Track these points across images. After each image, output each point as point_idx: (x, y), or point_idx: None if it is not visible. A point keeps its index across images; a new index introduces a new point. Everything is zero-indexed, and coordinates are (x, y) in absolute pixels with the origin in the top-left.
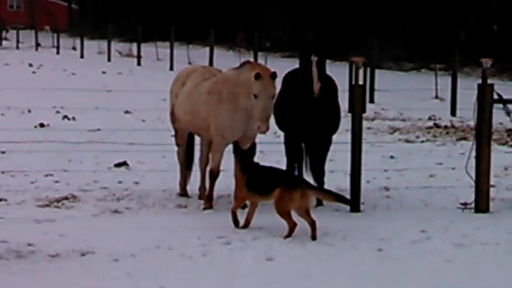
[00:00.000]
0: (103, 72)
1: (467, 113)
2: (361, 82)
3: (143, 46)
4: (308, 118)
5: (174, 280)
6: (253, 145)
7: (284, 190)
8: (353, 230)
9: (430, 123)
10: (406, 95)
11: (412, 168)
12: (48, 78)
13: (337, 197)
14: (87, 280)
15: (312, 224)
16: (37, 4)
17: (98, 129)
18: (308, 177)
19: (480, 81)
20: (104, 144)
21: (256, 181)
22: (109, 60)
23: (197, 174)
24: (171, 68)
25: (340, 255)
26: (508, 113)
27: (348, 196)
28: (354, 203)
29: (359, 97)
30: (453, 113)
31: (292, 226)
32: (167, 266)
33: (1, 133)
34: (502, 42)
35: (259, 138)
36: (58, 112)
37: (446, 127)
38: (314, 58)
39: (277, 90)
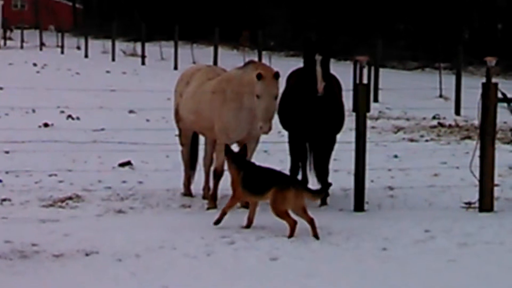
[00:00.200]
0: (107, 72)
1: (472, 112)
2: (365, 81)
3: (147, 46)
4: (312, 117)
5: (178, 279)
6: (244, 146)
7: (277, 191)
8: (357, 230)
9: (434, 122)
10: (410, 94)
11: (416, 168)
12: (52, 78)
13: (321, 191)
14: (91, 280)
15: (311, 222)
16: (41, 3)
17: (102, 129)
18: (312, 177)
19: (484, 80)
20: (108, 144)
21: (251, 180)
22: (113, 59)
23: (201, 173)
24: (176, 68)
25: (344, 255)
26: None
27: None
28: (358, 203)
29: (363, 96)
30: (457, 112)
31: (293, 224)
32: (171, 266)
33: (5, 133)
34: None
35: (263, 137)
36: (62, 111)
37: (450, 126)
38: (318, 57)
39: (281, 89)
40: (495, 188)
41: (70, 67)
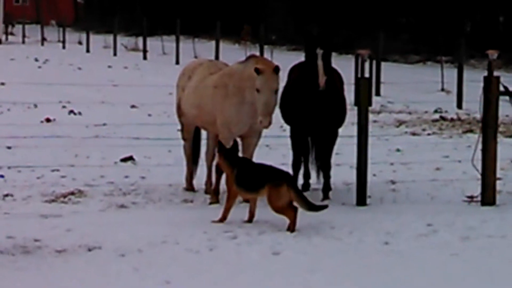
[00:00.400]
0: (109, 67)
1: (473, 105)
2: (367, 74)
3: (149, 40)
4: (314, 112)
5: (181, 274)
6: (235, 143)
7: (272, 188)
8: (360, 224)
9: (436, 116)
10: (412, 88)
11: (418, 161)
12: (54, 73)
13: (310, 206)
14: (94, 275)
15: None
16: None
17: (104, 124)
18: (314, 171)
19: (486, 73)
20: (110, 139)
21: (244, 178)
22: (115, 54)
23: (204, 168)
24: (177, 62)
25: (347, 249)
26: None
27: (354, 193)
28: (360, 197)
29: (365, 90)
30: (459, 105)
31: (293, 217)
32: (174, 261)
33: (7, 128)
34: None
35: (265, 132)
36: (64, 107)
37: (452, 119)
38: (319, 51)
39: (283, 83)
40: (497, 182)
41: (72, 62)
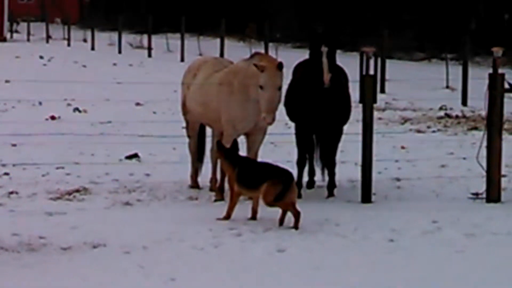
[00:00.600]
0: (114, 64)
1: (478, 102)
2: (372, 72)
3: (154, 38)
4: (319, 109)
5: (186, 271)
6: (235, 142)
7: (270, 186)
8: (365, 221)
9: (441, 113)
10: (417, 85)
11: (423, 159)
12: (59, 71)
13: (297, 215)
14: (99, 272)
15: (297, 215)
16: None
17: (109, 121)
18: (319, 168)
19: (491, 70)
20: (115, 136)
21: (246, 176)
22: (120, 52)
23: (209, 166)
24: (182, 60)
25: (352, 246)
26: None
27: (358, 190)
28: (365, 194)
29: (370, 88)
30: (464, 102)
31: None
32: (179, 258)
33: (12, 126)
34: None
35: (270, 129)
36: (69, 104)
37: (457, 117)
38: (324, 49)
39: (287, 81)
40: (502, 179)
41: (77, 60)
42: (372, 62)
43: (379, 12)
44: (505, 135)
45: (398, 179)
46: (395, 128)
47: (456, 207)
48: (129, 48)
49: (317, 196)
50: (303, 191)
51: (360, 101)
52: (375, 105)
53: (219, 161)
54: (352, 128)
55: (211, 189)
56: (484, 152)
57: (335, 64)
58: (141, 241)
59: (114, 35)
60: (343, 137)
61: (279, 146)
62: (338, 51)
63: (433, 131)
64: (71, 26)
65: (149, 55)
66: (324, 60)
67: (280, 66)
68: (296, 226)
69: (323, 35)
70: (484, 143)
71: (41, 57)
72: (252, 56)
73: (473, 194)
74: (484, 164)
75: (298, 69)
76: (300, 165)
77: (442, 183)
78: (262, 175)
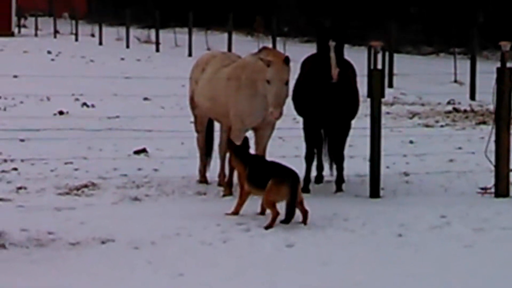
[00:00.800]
0: (122, 59)
1: (487, 97)
2: (379, 66)
3: (162, 32)
4: (327, 104)
5: (194, 267)
6: (246, 139)
7: (273, 184)
8: (373, 216)
9: (449, 108)
10: (425, 79)
11: (431, 153)
12: (67, 66)
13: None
14: (107, 267)
15: (305, 213)
16: None
17: (117, 116)
18: (327, 163)
19: (499, 64)
20: (123, 131)
21: (256, 175)
22: (127, 46)
23: (217, 160)
24: (190, 54)
25: (360, 241)
26: None
27: (367, 185)
28: (374, 189)
29: (378, 82)
30: (472, 97)
31: (275, 215)
32: (187, 253)
33: (20, 121)
34: None
35: (278, 124)
36: (77, 99)
37: (465, 111)
38: (332, 43)
39: (295, 75)
40: (511, 173)
41: (85, 55)
42: (380, 56)
43: (387, 5)
44: None
45: (406, 174)
46: (403, 123)
47: (465, 202)
48: (136, 43)
49: (325, 191)
50: (312, 186)
51: (368, 96)
52: (383, 100)
53: (227, 156)
54: (360, 123)
55: (219, 184)
56: (492, 146)
57: (343, 58)
58: (149, 236)
59: (122, 30)
60: (351, 131)
61: (287, 141)
62: (346, 45)
63: (441, 126)
64: (79, 21)
65: (157, 50)
66: (332, 54)
67: (286, 60)
68: (304, 222)
69: (331, 29)
70: (493, 138)
71: (49, 52)
72: (259, 50)
73: (481, 188)
74: (493, 158)
75: (306, 64)
76: (308, 160)
77: (451, 178)
78: (270, 174)
